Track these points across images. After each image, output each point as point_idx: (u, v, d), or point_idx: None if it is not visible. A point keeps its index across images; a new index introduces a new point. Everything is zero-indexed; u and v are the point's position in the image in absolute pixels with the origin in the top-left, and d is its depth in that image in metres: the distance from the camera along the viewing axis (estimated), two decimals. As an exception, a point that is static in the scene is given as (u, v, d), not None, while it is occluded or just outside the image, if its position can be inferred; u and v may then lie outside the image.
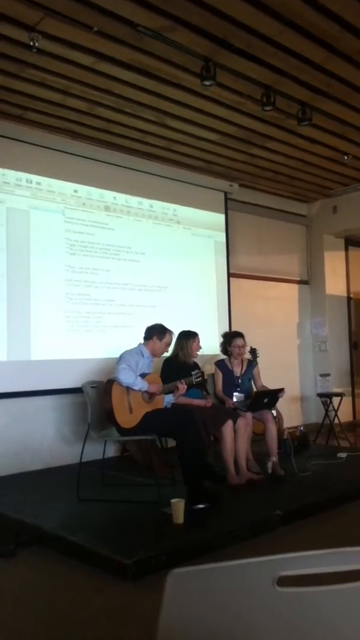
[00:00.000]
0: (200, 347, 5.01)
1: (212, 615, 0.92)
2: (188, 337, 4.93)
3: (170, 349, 4.86)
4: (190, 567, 0.93)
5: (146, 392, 4.28)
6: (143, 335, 4.66)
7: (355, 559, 0.92)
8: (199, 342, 4.97)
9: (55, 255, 5.64)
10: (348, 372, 8.50)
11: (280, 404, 5.18)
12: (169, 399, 4.52)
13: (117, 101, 5.00)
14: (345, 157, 6.50)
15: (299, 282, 8.35)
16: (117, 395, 4.18)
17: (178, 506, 3.58)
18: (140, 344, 4.60)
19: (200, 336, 5.01)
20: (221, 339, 5.37)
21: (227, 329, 6.44)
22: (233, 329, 6.22)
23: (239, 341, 5.17)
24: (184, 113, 5.28)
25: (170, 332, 4.67)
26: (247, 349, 5.28)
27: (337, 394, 7.18)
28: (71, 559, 3.31)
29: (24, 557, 3.41)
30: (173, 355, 4.94)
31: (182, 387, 4.45)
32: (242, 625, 0.92)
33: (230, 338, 5.24)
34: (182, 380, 4.47)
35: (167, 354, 4.86)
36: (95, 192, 5.99)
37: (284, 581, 0.91)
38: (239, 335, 5.24)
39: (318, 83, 4.78)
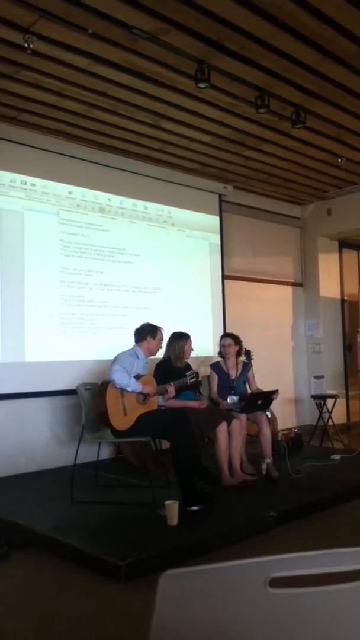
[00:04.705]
0: (192, 349, 4.95)
1: (204, 616, 0.93)
2: (180, 339, 4.87)
3: (163, 350, 4.85)
4: (182, 569, 0.93)
5: (140, 393, 4.28)
6: (134, 338, 4.63)
7: (346, 560, 0.93)
8: (190, 344, 4.90)
9: (50, 256, 5.63)
10: (342, 374, 8.53)
11: (275, 405, 5.18)
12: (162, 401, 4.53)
13: (112, 103, 5.00)
14: (339, 160, 6.52)
15: (293, 284, 8.36)
16: (112, 397, 4.18)
17: (172, 508, 3.58)
18: (134, 345, 4.58)
19: (193, 338, 4.95)
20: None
21: (221, 331, 6.45)
22: (227, 331, 6.23)
23: (223, 340, 5.32)
24: (179, 115, 5.28)
25: (161, 328, 4.67)
26: (237, 349, 5.29)
27: (331, 396, 7.21)
28: (65, 561, 3.31)
29: (18, 560, 3.40)
30: (165, 358, 4.92)
31: (171, 389, 4.44)
32: (234, 626, 0.92)
33: (220, 338, 5.37)
34: (172, 383, 4.47)
35: (160, 355, 4.86)
36: (90, 194, 5.99)
37: (275, 582, 0.91)
38: (226, 335, 5.41)
39: (312, 85, 4.80)
